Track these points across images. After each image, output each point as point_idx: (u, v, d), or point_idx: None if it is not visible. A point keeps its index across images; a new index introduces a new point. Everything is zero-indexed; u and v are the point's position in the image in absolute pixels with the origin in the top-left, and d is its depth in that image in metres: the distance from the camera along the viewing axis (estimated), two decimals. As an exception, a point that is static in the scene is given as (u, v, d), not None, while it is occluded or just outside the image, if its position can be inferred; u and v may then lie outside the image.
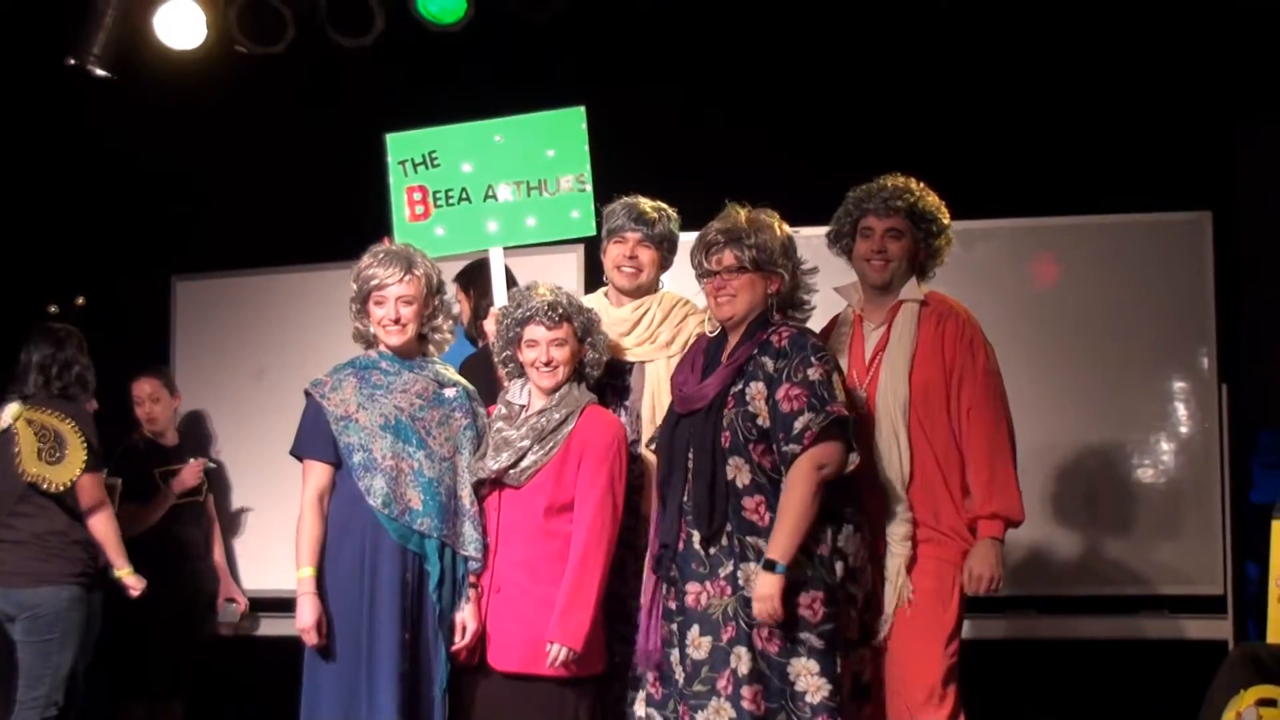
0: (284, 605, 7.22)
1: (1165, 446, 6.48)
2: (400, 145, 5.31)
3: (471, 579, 4.73)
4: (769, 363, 4.39)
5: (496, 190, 5.28)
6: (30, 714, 5.73)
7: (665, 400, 4.78)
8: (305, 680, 4.78)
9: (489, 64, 7.04)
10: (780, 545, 4.27)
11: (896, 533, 4.60)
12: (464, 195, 5.28)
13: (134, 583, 5.92)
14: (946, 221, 4.85)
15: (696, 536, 4.43)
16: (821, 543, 4.32)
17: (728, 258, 4.49)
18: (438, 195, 5.28)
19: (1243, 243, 6.56)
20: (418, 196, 5.26)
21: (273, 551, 7.18)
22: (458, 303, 6.11)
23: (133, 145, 7.60)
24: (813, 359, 4.35)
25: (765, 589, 4.26)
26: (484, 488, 4.77)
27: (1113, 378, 6.51)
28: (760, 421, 4.37)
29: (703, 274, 4.57)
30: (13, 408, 5.81)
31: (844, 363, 4.78)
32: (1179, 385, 6.49)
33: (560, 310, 4.73)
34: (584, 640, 4.57)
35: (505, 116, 5.35)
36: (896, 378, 4.66)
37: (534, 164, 5.25)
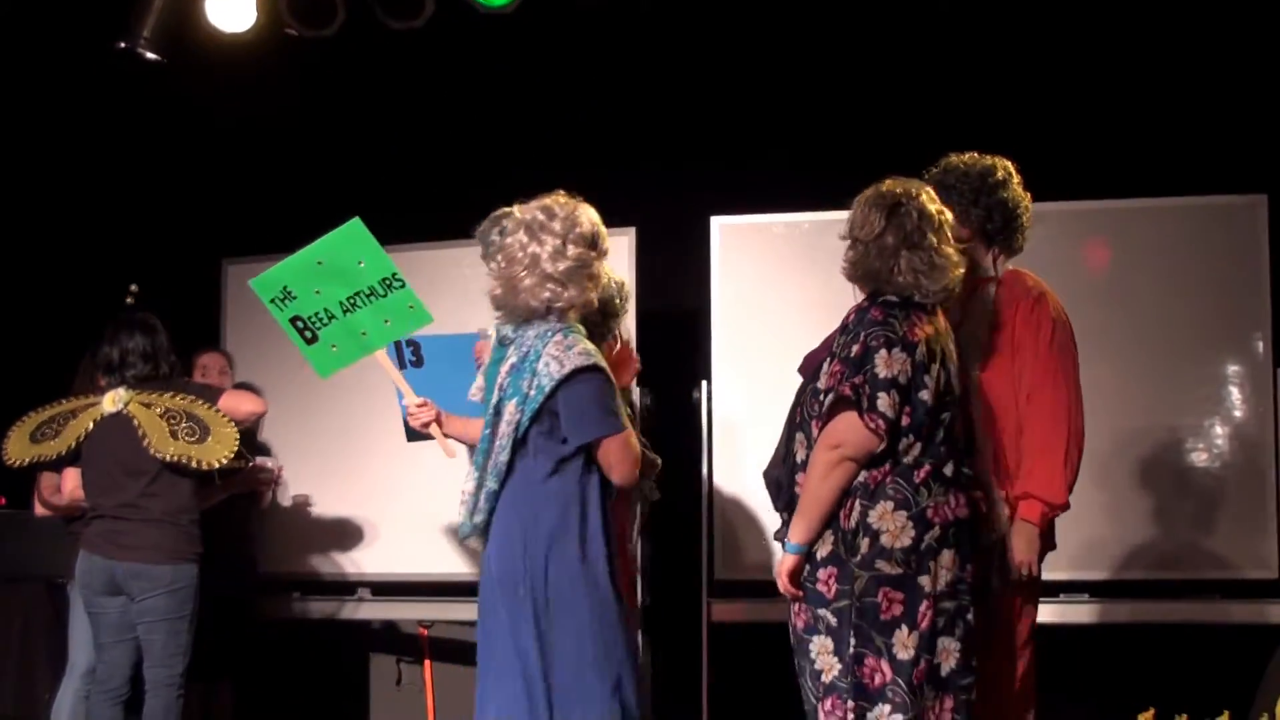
0: (329, 589, 7.29)
1: (1219, 431, 6.44)
2: (263, 288, 5.45)
3: None
4: (839, 339, 4.33)
5: (348, 304, 5.42)
6: (170, 693, 5.81)
7: None
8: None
9: (541, 46, 7.04)
10: (795, 525, 4.27)
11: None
12: (330, 315, 5.42)
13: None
14: (987, 169, 4.67)
15: None
16: (848, 517, 4.23)
17: None
18: (312, 320, 5.43)
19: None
20: (300, 325, 5.42)
21: (320, 536, 7.24)
22: None
23: (183, 128, 7.63)
24: (861, 334, 4.23)
25: (779, 566, 4.32)
26: None
27: (1166, 362, 6.47)
28: (822, 398, 4.30)
29: None
30: (119, 393, 5.89)
31: None
32: (1233, 369, 6.44)
33: None
34: None
35: (311, 244, 5.44)
36: (968, 360, 4.55)
37: (356, 276, 5.36)
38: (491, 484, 4.41)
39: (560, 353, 4.33)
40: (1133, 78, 6.73)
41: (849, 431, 4.19)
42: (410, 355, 5.91)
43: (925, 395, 4.21)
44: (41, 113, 7.52)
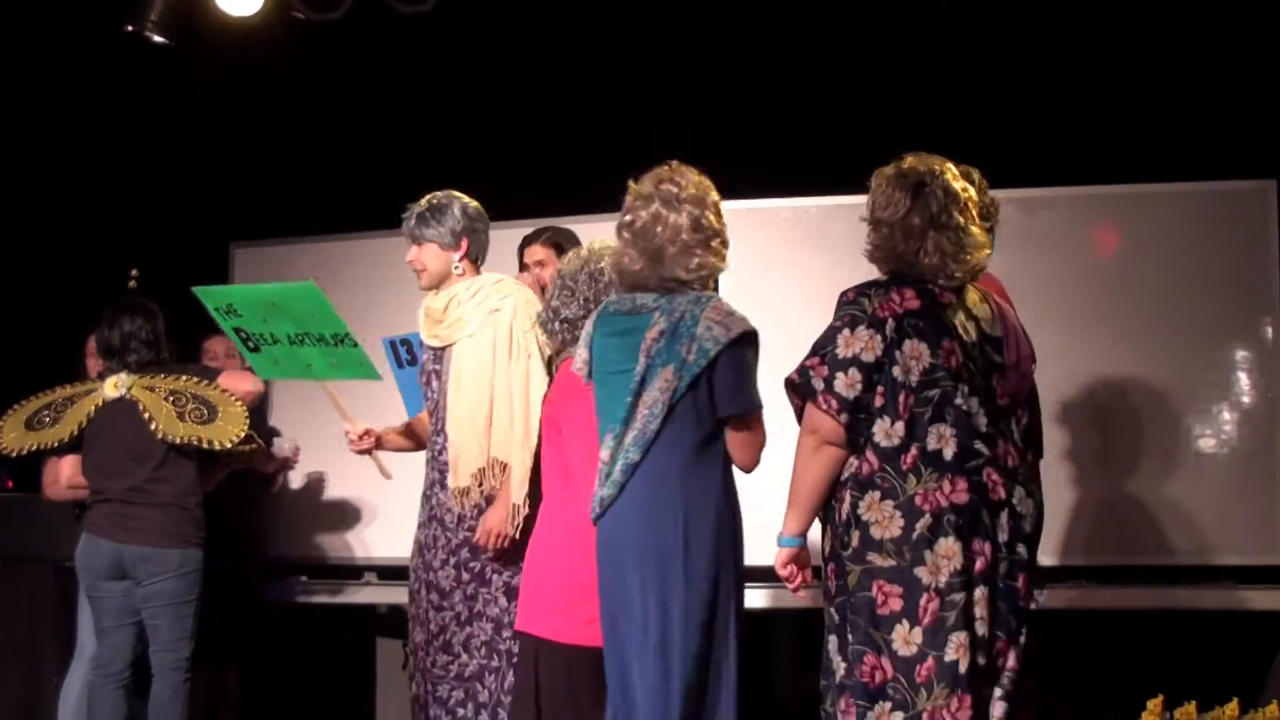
0: (335, 572, 7.29)
1: (1227, 416, 6.43)
2: (208, 297, 5.54)
3: None
4: None
5: (296, 338, 5.50)
6: (176, 677, 5.82)
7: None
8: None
9: (546, 33, 7.04)
10: (786, 516, 4.18)
11: None
12: (274, 339, 5.51)
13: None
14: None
15: None
16: (840, 510, 4.11)
17: None
18: (256, 336, 5.54)
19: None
20: (243, 335, 5.53)
21: (327, 519, 7.24)
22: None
23: (190, 112, 7.63)
24: (835, 315, 4.14)
25: (775, 560, 4.24)
26: None
27: (1174, 347, 6.46)
28: None
29: None
30: (120, 377, 5.89)
31: None
32: (1241, 354, 6.43)
33: None
34: None
35: (263, 285, 5.64)
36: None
37: (308, 323, 5.42)
38: (633, 455, 4.26)
39: (722, 317, 4.27)
40: (1141, 62, 6.70)
41: (811, 415, 4.10)
42: (405, 355, 5.91)
43: (896, 372, 4.04)
44: (49, 96, 7.53)
